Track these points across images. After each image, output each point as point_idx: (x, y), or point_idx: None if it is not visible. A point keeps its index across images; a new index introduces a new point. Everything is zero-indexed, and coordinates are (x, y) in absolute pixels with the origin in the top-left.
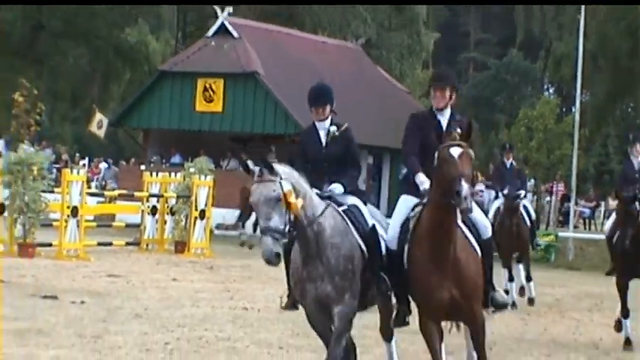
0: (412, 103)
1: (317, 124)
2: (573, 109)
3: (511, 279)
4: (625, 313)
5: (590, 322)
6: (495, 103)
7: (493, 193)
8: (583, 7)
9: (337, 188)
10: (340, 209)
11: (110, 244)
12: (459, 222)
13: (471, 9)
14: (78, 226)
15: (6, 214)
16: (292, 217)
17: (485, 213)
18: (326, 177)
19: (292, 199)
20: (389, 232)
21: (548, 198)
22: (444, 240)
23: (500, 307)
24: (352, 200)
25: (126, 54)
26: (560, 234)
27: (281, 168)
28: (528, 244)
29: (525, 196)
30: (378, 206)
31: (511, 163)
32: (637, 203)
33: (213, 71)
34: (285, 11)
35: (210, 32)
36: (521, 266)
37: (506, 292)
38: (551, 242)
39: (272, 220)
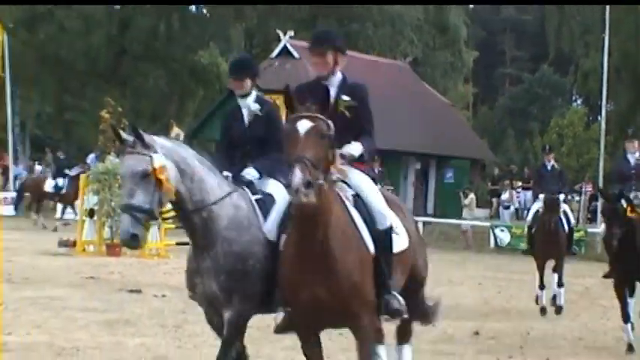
0: (455, 115)
1: (240, 101)
2: (599, 118)
3: (542, 287)
4: (625, 317)
5: (616, 308)
6: (529, 113)
7: (530, 194)
8: (607, 26)
9: (250, 173)
10: (253, 198)
11: (187, 243)
12: (348, 207)
13: (506, 30)
14: (159, 228)
15: (95, 217)
16: (165, 197)
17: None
18: (249, 160)
19: (163, 176)
20: (268, 220)
21: (577, 197)
22: (310, 228)
23: (393, 314)
24: (272, 187)
25: (199, 75)
26: (589, 229)
27: (160, 141)
28: (564, 250)
29: (565, 200)
30: (425, 207)
31: (552, 165)
32: (623, 201)
33: (277, 89)
34: (339, 33)
35: (274, 54)
36: (555, 275)
37: (537, 298)
38: (581, 237)
39: (134, 198)
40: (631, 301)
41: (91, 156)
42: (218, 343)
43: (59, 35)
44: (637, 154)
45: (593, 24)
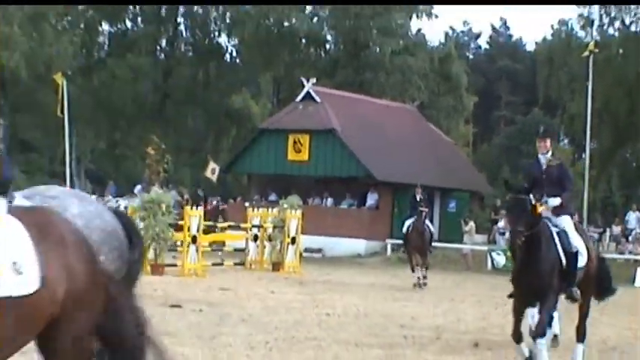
0: (457, 152)
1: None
2: (584, 156)
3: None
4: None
5: (600, 323)
6: (522, 151)
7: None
8: (591, 75)
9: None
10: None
11: (221, 264)
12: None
13: (502, 77)
14: (197, 251)
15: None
16: None
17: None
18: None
19: None
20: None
21: None
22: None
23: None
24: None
25: (233, 116)
26: None
27: None
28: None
29: None
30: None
31: (420, 197)
32: (530, 196)
33: (301, 128)
34: (356, 81)
35: (299, 98)
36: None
37: (419, 278)
38: None
39: None
40: (555, 315)
41: (138, 187)
42: (249, 352)
43: (111, 82)
44: (548, 155)
45: (578, 73)
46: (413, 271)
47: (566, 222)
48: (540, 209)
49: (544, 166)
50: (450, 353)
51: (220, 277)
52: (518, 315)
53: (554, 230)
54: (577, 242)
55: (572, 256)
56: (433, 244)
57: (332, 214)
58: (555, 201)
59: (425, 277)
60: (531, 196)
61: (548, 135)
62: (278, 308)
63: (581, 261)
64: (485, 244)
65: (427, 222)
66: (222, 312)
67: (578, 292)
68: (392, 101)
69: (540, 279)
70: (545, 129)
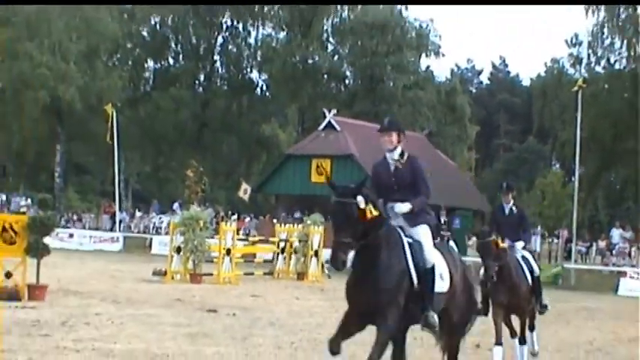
0: (461, 175)
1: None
2: (573, 179)
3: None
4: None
5: (587, 327)
6: (519, 174)
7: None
8: (580, 108)
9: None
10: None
11: (252, 273)
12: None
13: (501, 110)
14: (230, 262)
15: (181, 253)
16: None
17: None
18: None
19: None
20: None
21: (556, 240)
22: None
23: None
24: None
25: (263, 143)
26: (565, 265)
27: None
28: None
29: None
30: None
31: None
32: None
33: (323, 154)
34: (372, 111)
35: (321, 127)
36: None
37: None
38: (558, 272)
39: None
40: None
41: (176, 204)
42: (276, 352)
43: (155, 112)
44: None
45: (568, 105)
46: None
47: (422, 233)
48: (373, 214)
49: (392, 167)
50: None
51: (251, 285)
52: (343, 334)
53: (405, 240)
54: (435, 259)
55: (427, 272)
56: None
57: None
58: (404, 207)
59: None
60: (359, 198)
61: (393, 128)
62: (302, 313)
63: (441, 285)
64: None
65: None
66: (253, 316)
67: (436, 318)
68: None
69: (377, 296)
70: (389, 121)
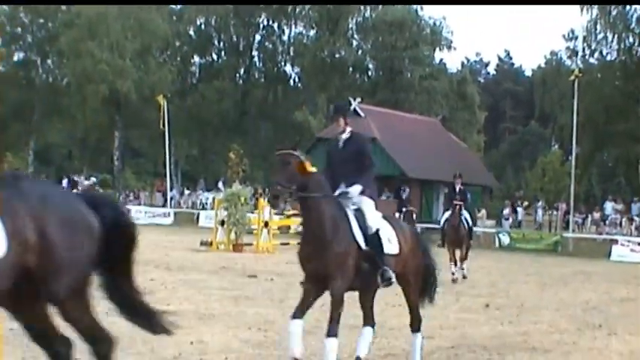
0: (471, 155)
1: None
2: (570, 158)
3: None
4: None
5: (584, 288)
6: (522, 155)
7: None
8: (576, 95)
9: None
10: None
11: (287, 243)
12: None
13: (506, 97)
14: (268, 233)
15: (225, 226)
16: None
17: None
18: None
19: None
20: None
21: (555, 212)
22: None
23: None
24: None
25: (296, 128)
26: (564, 234)
27: None
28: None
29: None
30: None
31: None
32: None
33: None
34: (392, 99)
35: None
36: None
37: (453, 274)
38: (557, 240)
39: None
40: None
41: (220, 183)
42: (309, 311)
43: (201, 102)
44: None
45: (566, 93)
46: (450, 263)
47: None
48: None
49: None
50: (466, 312)
51: (286, 253)
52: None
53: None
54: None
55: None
56: (472, 234)
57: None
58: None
59: (462, 269)
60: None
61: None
62: None
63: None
64: (493, 227)
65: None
66: (288, 280)
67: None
68: (420, 116)
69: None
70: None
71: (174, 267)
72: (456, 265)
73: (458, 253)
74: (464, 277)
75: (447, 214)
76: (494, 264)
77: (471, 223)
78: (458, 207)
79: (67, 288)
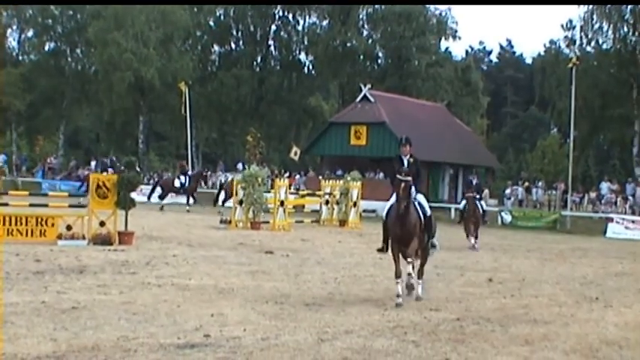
0: (475, 138)
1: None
2: (568, 141)
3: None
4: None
5: (581, 263)
6: (523, 138)
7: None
8: (574, 81)
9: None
10: None
11: (302, 221)
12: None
13: (507, 83)
14: (284, 212)
15: (243, 205)
16: None
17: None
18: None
19: None
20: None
21: (554, 192)
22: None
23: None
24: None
25: (309, 113)
26: (563, 213)
27: None
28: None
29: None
30: (456, 198)
31: (409, 160)
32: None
33: (360, 121)
34: (400, 86)
35: (358, 99)
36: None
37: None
38: (556, 218)
39: None
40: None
41: (239, 165)
42: (323, 285)
43: (220, 88)
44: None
45: (564, 79)
46: (467, 237)
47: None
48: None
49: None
50: (470, 286)
51: (301, 231)
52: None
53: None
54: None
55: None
56: (485, 217)
57: (383, 184)
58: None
59: (476, 243)
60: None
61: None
62: (344, 253)
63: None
64: (496, 205)
65: (479, 203)
66: (303, 256)
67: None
68: (427, 101)
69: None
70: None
71: (196, 244)
72: (472, 237)
73: (472, 227)
74: (475, 247)
75: (464, 202)
76: (497, 241)
77: (485, 209)
78: (470, 199)
79: None
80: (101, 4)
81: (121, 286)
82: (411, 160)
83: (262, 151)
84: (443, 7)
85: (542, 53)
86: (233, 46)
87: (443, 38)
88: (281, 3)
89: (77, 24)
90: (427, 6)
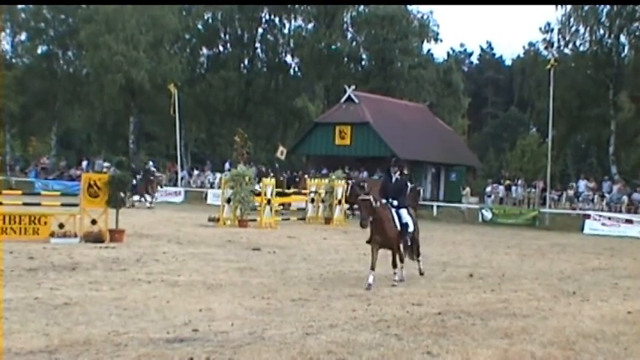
0: (456, 138)
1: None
2: (547, 140)
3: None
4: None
5: (559, 259)
6: (503, 137)
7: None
8: (552, 82)
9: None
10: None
11: (288, 219)
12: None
13: (488, 84)
14: (270, 210)
15: (231, 203)
16: None
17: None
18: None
19: None
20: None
21: (533, 190)
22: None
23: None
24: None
25: (295, 114)
26: (541, 210)
27: None
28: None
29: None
30: (438, 196)
31: (397, 178)
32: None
33: (345, 121)
34: (383, 87)
35: (342, 100)
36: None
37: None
38: (535, 215)
39: None
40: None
41: (226, 164)
42: (308, 281)
43: (208, 90)
44: (397, 175)
45: (543, 80)
46: None
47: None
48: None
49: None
50: (452, 281)
51: (287, 228)
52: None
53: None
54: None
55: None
56: (439, 203)
57: (367, 182)
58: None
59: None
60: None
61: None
62: (329, 250)
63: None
64: (477, 203)
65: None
66: (289, 253)
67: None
68: (409, 102)
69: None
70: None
71: (185, 241)
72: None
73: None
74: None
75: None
76: (477, 237)
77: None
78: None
79: None
80: (93, 4)
81: (112, 282)
82: (399, 177)
83: (249, 150)
84: (425, 11)
85: (522, 55)
86: (221, 48)
87: (425, 41)
88: (269, 3)
89: (69, 27)
90: (410, 9)
